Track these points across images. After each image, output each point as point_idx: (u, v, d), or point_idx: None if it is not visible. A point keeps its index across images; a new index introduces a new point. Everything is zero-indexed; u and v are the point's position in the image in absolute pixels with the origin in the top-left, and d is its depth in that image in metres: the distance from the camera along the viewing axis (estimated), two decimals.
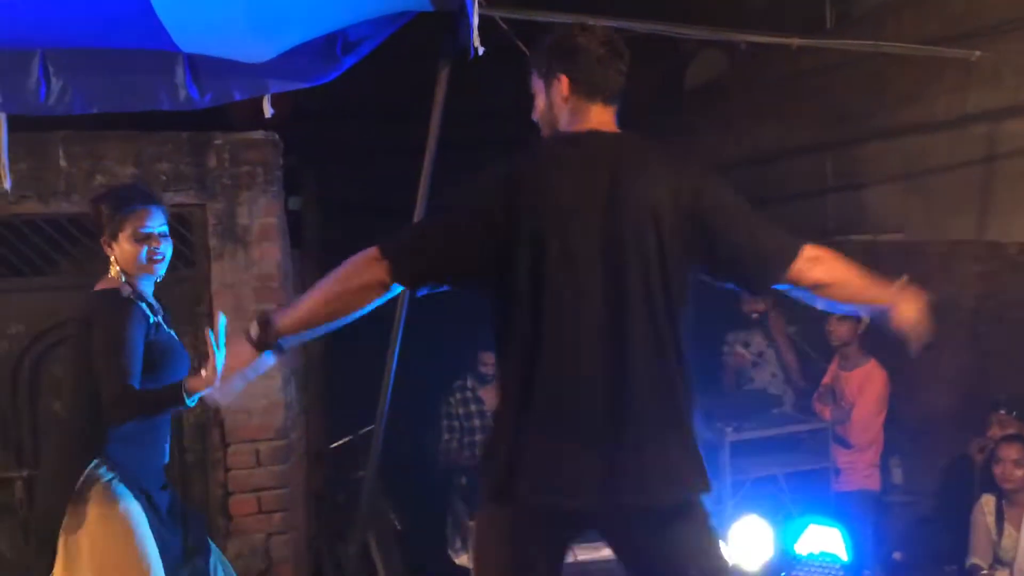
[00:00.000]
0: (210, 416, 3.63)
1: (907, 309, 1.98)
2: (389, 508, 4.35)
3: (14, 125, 2.89)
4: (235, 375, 2.09)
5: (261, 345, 1.96)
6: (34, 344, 3.52)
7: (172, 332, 2.57)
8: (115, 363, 2.30)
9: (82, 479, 2.35)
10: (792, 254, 1.93)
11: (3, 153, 2.91)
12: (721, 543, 2.06)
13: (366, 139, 4.26)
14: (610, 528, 2.00)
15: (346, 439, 4.18)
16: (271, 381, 3.66)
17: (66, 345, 2.80)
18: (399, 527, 4.26)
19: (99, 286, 2.48)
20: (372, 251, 1.88)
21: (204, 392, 2.27)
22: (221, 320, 2.18)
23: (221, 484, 3.64)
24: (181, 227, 3.65)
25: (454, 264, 1.90)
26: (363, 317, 4.43)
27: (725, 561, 2.04)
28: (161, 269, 2.52)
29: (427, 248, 1.91)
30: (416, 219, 3.75)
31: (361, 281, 1.88)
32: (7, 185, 2.94)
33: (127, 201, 2.49)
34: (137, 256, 2.44)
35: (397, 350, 3.82)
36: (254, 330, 1.96)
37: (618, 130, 1.97)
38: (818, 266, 1.94)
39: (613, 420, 1.85)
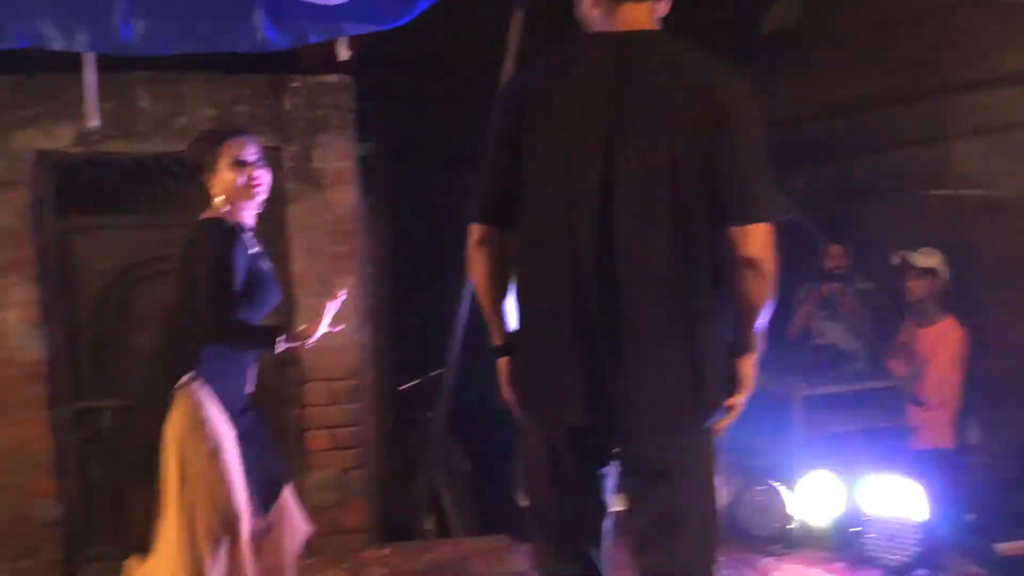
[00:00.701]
0: (287, 354, 3.72)
1: (747, 372, 1.96)
2: (458, 450, 4.42)
3: (100, 66, 2.97)
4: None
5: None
6: (120, 279, 3.66)
7: (265, 265, 2.61)
8: (217, 289, 2.37)
9: (174, 395, 2.42)
10: (746, 219, 1.82)
11: (92, 92, 3.00)
12: (717, 476, 2.00)
13: (436, 86, 4.25)
14: (611, 444, 1.98)
15: (416, 381, 4.25)
16: (345, 322, 3.73)
17: (165, 275, 2.95)
18: (467, 469, 4.34)
19: (204, 215, 2.54)
20: (472, 233, 1.98)
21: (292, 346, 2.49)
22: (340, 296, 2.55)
23: (297, 420, 3.76)
24: None
25: (513, 190, 1.93)
26: (435, 259, 4.49)
27: (714, 495, 1.99)
28: (261, 196, 2.57)
29: (491, 191, 1.97)
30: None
31: (489, 260, 1.98)
32: (95, 124, 3.03)
33: (223, 133, 2.59)
34: (237, 183, 2.50)
35: (469, 291, 3.87)
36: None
37: (655, 27, 1.89)
38: (747, 248, 1.83)
39: (609, 333, 1.83)
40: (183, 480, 2.42)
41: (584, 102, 1.83)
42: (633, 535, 1.97)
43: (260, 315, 2.58)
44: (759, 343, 1.94)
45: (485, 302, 2.03)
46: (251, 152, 2.54)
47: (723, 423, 1.95)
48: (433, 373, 4.28)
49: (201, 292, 2.39)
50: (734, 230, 1.82)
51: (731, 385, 1.93)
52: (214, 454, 2.42)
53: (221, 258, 2.39)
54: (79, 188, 3.65)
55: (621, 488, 2.01)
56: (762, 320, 1.89)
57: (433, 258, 4.39)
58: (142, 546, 2.50)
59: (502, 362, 2.05)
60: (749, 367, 1.94)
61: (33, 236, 3.57)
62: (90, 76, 2.99)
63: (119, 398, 3.67)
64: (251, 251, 2.53)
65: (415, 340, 4.71)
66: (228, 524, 2.43)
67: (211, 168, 2.51)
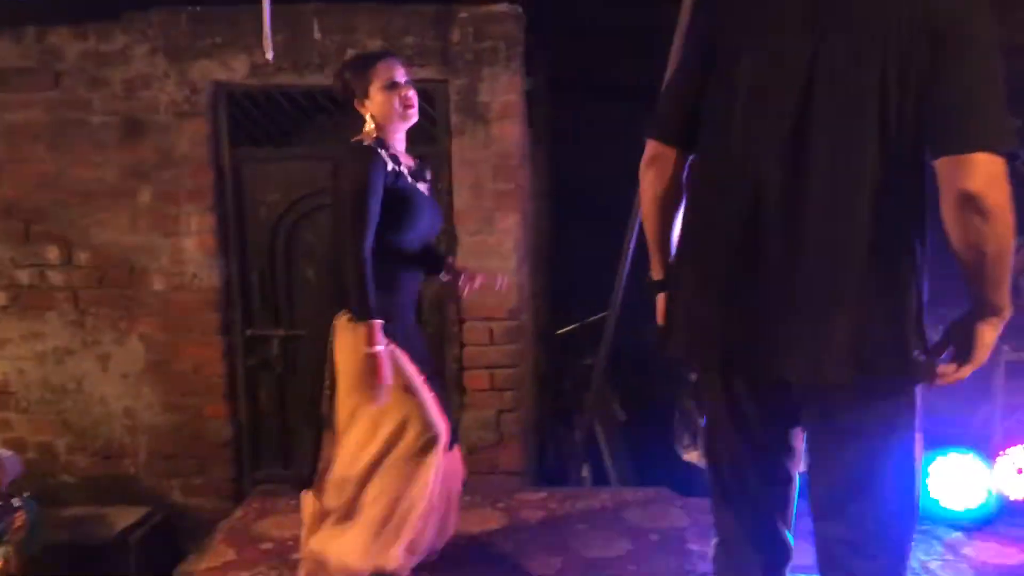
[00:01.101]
0: (448, 292, 3.71)
1: (980, 340, 1.62)
2: (615, 398, 4.32)
3: None
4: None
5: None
6: (289, 211, 3.72)
7: (420, 186, 2.57)
8: (348, 215, 2.36)
9: (339, 325, 2.43)
10: (968, 145, 1.48)
11: (267, 25, 3.00)
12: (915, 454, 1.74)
13: (603, 18, 4.04)
14: (798, 399, 1.75)
15: (574, 325, 4.16)
16: (506, 261, 3.68)
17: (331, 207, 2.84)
18: (624, 418, 4.24)
19: (355, 138, 2.54)
20: (645, 150, 1.80)
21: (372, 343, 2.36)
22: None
23: (456, 358, 3.75)
24: (424, 103, 3.66)
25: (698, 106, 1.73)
26: (598, 199, 4.30)
27: (912, 465, 1.73)
28: (414, 116, 2.54)
29: (673, 103, 1.78)
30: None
31: (660, 182, 1.80)
32: (269, 56, 3.03)
33: (373, 57, 2.56)
34: (391, 104, 2.47)
35: (635, 236, 3.70)
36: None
37: None
38: (967, 180, 1.47)
39: (799, 277, 1.60)
40: (357, 413, 2.43)
41: (783, 10, 1.61)
42: (816, 500, 1.77)
43: (416, 239, 2.55)
44: (996, 301, 1.60)
45: (650, 229, 1.85)
46: (401, 73, 2.51)
47: (938, 382, 1.68)
48: (593, 318, 4.17)
49: (338, 218, 2.43)
50: (950, 160, 1.49)
51: (926, 344, 1.65)
52: (391, 384, 2.40)
53: (354, 179, 2.37)
54: (251, 119, 3.70)
55: (808, 448, 1.81)
56: (995, 272, 1.56)
57: (596, 196, 4.25)
58: (312, 482, 2.53)
59: (660, 299, 1.88)
60: (983, 332, 1.62)
61: (210, 166, 3.68)
62: (266, 8, 2.98)
63: (286, 328, 3.77)
64: (400, 171, 2.47)
65: (575, 281, 4.61)
66: (419, 450, 2.43)
67: (363, 93, 2.49)
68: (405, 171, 2.51)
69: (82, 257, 3.77)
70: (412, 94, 2.52)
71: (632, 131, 3.77)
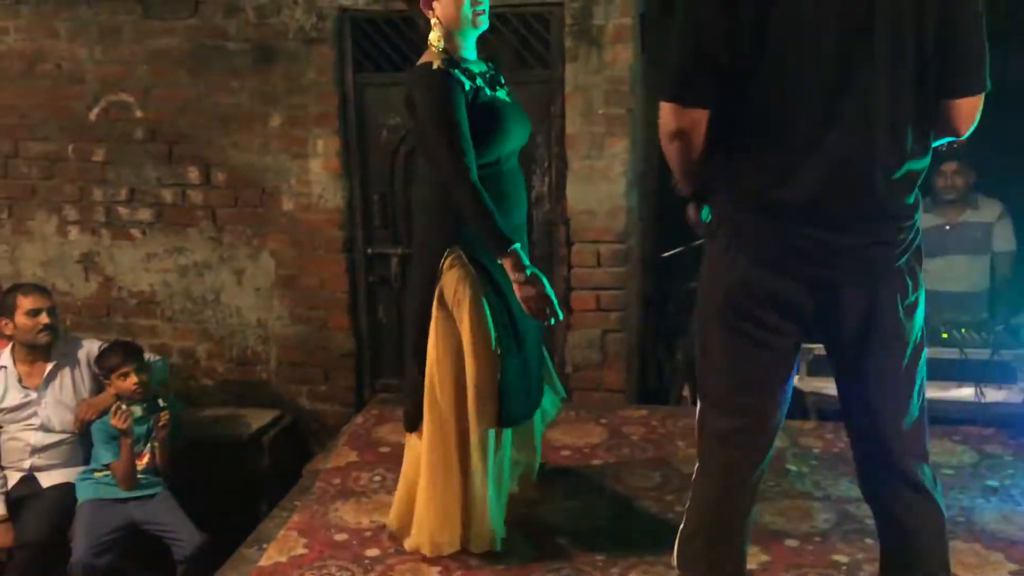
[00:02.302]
0: (558, 214, 3.81)
1: None
2: None
3: None
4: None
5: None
6: (409, 135, 3.86)
7: (499, 94, 2.44)
8: (442, 144, 2.24)
9: (441, 266, 2.37)
10: (968, 90, 1.67)
11: None
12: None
13: None
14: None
15: (679, 249, 4.18)
16: (614, 186, 3.74)
17: None
18: None
19: (419, 61, 2.39)
20: (671, 117, 1.70)
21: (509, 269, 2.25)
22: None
23: (564, 279, 3.86)
24: (540, 26, 3.72)
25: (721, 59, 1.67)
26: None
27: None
28: (484, 22, 2.39)
29: (704, 61, 1.69)
30: None
31: (692, 153, 1.74)
32: None
33: None
34: (461, 9, 2.33)
35: None
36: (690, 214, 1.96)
37: None
38: (959, 123, 1.71)
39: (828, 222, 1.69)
40: (457, 349, 2.38)
41: None
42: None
43: (506, 150, 2.42)
44: None
45: (691, 183, 1.83)
46: None
47: None
48: (698, 242, 4.18)
49: (429, 154, 2.32)
50: (953, 103, 1.68)
51: None
52: (482, 321, 2.37)
53: (434, 111, 2.25)
54: (374, 44, 3.84)
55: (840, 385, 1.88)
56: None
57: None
58: (417, 423, 2.48)
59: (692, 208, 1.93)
60: None
61: (335, 91, 3.85)
62: None
63: (404, 247, 3.95)
64: (477, 87, 2.35)
65: (680, 207, 4.61)
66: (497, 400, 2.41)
67: None
68: (482, 84, 2.38)
69: (219, 177, 4.04)
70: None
71: None
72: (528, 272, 2.26)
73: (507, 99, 2.47)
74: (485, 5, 2.38)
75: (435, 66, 2.29)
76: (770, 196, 1.70)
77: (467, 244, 2.37)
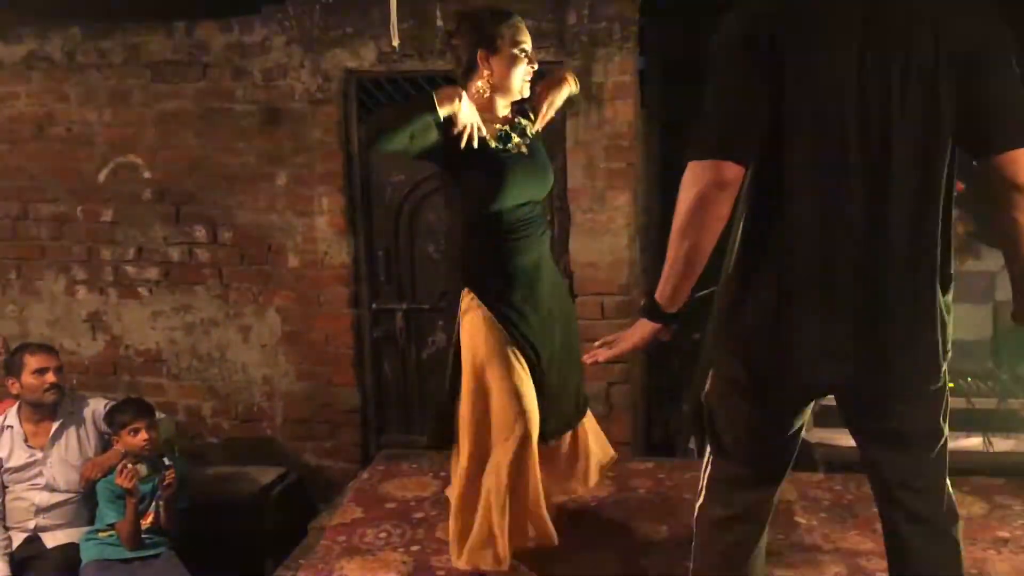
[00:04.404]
0: (561, 267, 3.84)
1: None
2: None
3: None
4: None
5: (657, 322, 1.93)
6: (413, 191, 3.92)
7: (511, 146, 2.44)
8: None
9: (461, 305, 2.47)
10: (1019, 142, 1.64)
11: (393, 13, 3.16)
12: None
13: None
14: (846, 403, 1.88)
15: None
16: (617, 239, 3.78)
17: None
18: None
19: None
20: (713, 173, 1.67)
21: (452, 108, 2.24)
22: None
23: None
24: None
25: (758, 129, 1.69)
26: None
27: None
28: (528, 91, 2.44)
29: (746, 120, 1.69)
30: None
31: (728, 209, 1.70)
32: (396, 43, 3.20)
33: (506, 12, 2.40)
34: (516, 71, 2.36)
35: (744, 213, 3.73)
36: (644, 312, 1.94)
37: None
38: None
39: (864, 292, 1.71)
40: (478, 380, 2.48)
41: (834, 32, 1.64)
42: (880, 491, 1.91)
43: (508, 203, 2.43)
44: None
45: (702, 252, 1.76)
46: (528, 40, 2.39)
47: None
48: (701, 293, 4.20)
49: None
50: (1004, 157, 1.64)
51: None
52: (503, 353, 2.46)
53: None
54: (379, 104, 3.92)
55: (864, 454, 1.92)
56: None
57: None
58: (442, 442, 2.63)
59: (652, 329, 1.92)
60: None
61: (341, 150, 3.91)
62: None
63: (409, 302, 3.98)
64: (494, 136, 2.40)
65: None
66: (520, 423, 2.47)
67: (490, 45, 2.35)
68: (508, 135, 2.44)
69: (226, 236, 4.09)
70: (534, 67, 2.40)
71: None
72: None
73: (523, 152, 2.48)
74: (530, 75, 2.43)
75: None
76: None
77: (478, 288, 2.46)
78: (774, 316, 1.75)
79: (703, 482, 1.97)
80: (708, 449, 1.97)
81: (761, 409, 1.87)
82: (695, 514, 1.96)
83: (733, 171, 1.66)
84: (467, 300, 2.47)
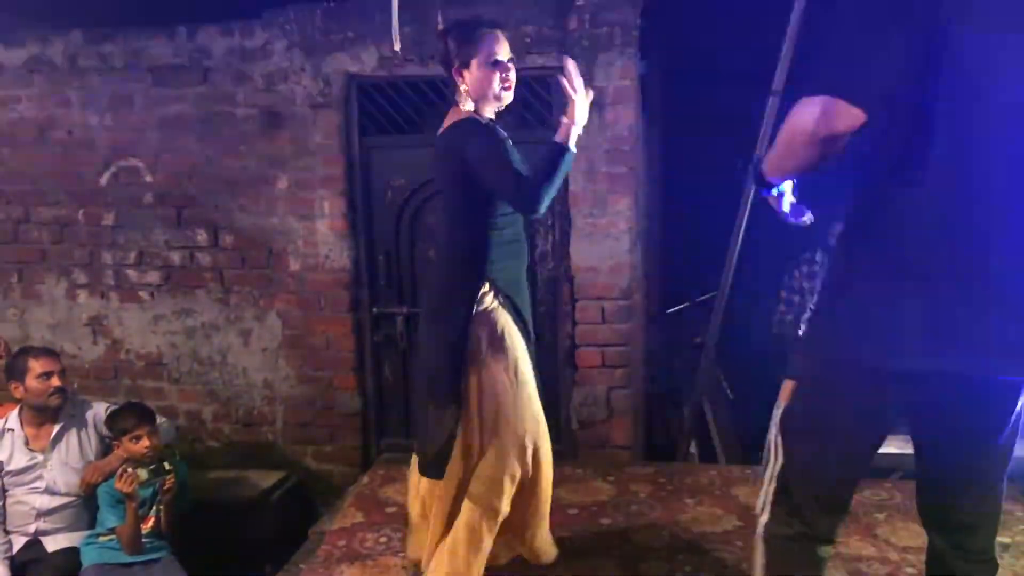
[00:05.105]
0: (562, 271, 3.84)
1: None
2: (722, 377, 4.35)
3: None
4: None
5: (759, 183, 1.86)
6: (414, 195, 3.92)
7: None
8: (501, 166, 2.34)
9: (477, 307, 2.44)
10: None
11: (395, 17, 3.18)
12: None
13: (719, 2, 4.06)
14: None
15: (683, 305, 4.22)
16: (618, 243, 3.77)
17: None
18: (731, 396, 4.27)
19: (453, 119, 2.46)
20: (824, 113, 1.53)
21: (576, 132, 2.32)
22: (570, 67, 2.28)
23: (569, 336, 3.87)
24: (541, 89, 3.79)
25: (893, 76, 1.53)
26: (707, 181, 4.28)
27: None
28: (509, 98, 2.48)
29: (879, 69, 1.53)
30: (782, 73, 3.55)
31: (834, 146, 1.57)
32: (397, 47, 3.22)
33: (477, 27, 2.46)
34: (491, 82, 2.41)
35: (745, 216, 3.74)
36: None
37: None
38: None
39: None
40: (482, 395, 2.46)
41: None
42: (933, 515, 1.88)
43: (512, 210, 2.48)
44: None
45: (794, 172, 1.73)
46: (506, 50, 2.43)
47: None
48: (702, 297, 4.22)
49: (491, 183, 2.36)
50: None
51: None
52: (512, 368, 2.47)
53: (491, 147, 2.35)
54: (379, 109, 3.92)
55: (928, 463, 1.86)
56: None
57: (706, 179, 4.29)
58: (438, 463, 2.50)
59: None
60: None
61: (341, 154, 3.91)
62: (395, 3, 3.16)
63: (409, 306, 3.98)
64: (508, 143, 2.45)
65: (684, 262, 4.66)
66: (525, 445, 2.48)
67: (463, 62, 2.42)
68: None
69: (227, 239, 4.09)
70: (511, 74, 2.44)
71: (743, 114, 3.79)
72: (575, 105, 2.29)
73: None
74: (513, 79, 2.46)
75: (483, 120, 2.44)
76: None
77: (496, 282, 2.47)
78: (893, 298, 1.59)
79: (768, 497, 1.86)
80: (773, 464, 1.85)
81: (859, 412, 1.73)
82: (760, 531, 1.87)
83: (852, 115, 1.51)
84: (489, 295, 2.47)
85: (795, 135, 1.59)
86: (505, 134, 2.49)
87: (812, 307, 3.82)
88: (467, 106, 2.46)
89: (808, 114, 1.55)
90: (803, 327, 4.14)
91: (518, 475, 2.49)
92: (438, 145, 2.49)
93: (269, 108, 3.95)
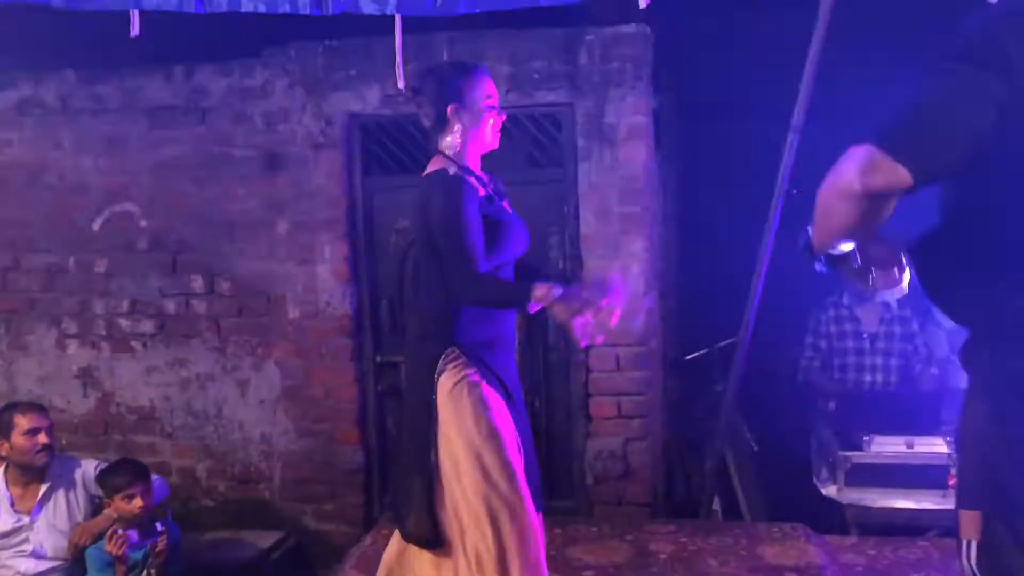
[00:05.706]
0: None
1: None
2: (745, 426, 4.16)
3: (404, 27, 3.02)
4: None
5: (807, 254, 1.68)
6: (415, 240, 3.76)
7: (504, 205, 2.43)
8: (456, 244, 2.22)
9: (439, 367, 2.28)
10: None
11: (398, 55, 3.06)
12: None
13: (734, 31, 3.95)
14: None
15: (703, 351, 4.04)
16: (632, 286, 3.60)
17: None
18: (755, 447, 4.07)
19: (433, 167, 2.38)
20: (876, 164, 1.39)
21: (547, 303, 2.15)
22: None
23: (582, 385, 3.70)
24: (551, 127, 3.67)
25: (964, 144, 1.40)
26: (726, 220, 4.11)
27: None
28: (496, 143, 2.43)
29: (940, 135, 1.40)
30: (801, 108, 3.41)
31: (867, 216, 1.44)
32: (402, 84, 3.09)
33: (473, 65, 2.42)
34: (486, 126, 2.37)
35: (767, 258, 3.56)
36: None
37: None
38: None
39: None
40: (458, 465, 2.26)
41: None
42: None
43: (504, 259, 2.38)
44: None
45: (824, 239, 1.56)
46: (496, 93, 2.38)
47: None
48: (723, 343, 4.04)
49: (442, 253, 2.24)
50: None
51: None
52: (490, 438, 2.25)
53: (452, 212, 2.22)
54: (383, 148, 3.80)
55: None
56: None
57: (727, 218, 4.15)
58: (417, 534, 2.31)
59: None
60: None
61: (344, 195, 3.79)
62: (398, 38, 3.05)
63: None
64: (490, 195, 2.36)
65: (703, 306, 4.50)
66: (508, 512, 2.25)
67: (459, 99, 2.33)
68: (494, 193, 2.40)
69: (223, 286, 3.95)
70: (503, 118, 2.42)
71: (761, 151, 3.65)
72: (554, 295, 2.15)
73: (509, 211, 2.47)
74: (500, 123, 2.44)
75: (451, 172, 2.31)
76: None
77: (464, 345, 2.29)
78: None
79: None
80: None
81: None
82: None
83: (889, 171, 1.37)
84: (450, 356, 2.27)
85: (831, 187, 1.46)
86: (486, 187, 2.36)
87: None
88: (451, 150, 2.37)
89: (848, 163, 1.42)
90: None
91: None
92: (416, 192, 2.41)
93: (269, 149, 3.84)
